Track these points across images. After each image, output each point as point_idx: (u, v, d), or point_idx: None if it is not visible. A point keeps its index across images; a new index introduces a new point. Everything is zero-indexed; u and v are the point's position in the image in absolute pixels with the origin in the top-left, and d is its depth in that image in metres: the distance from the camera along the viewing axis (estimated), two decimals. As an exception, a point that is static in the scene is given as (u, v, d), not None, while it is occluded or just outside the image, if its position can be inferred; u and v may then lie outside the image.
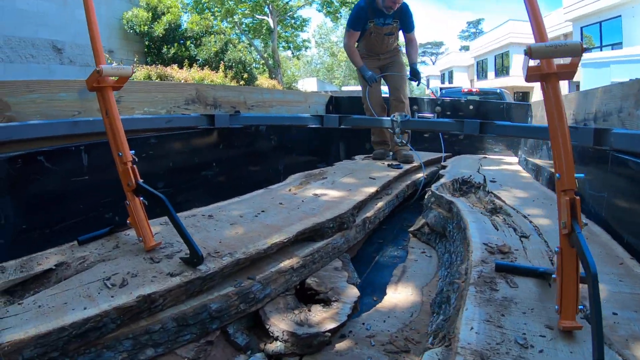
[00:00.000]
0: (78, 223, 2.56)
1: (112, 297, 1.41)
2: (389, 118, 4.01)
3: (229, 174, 3.91)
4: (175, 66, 12.38)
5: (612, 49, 17.57)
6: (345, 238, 2.40)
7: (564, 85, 21.57)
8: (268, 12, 23.10)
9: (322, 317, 1.71)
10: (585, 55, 15.23)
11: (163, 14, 14.35)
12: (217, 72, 13.22)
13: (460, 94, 12.49)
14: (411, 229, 3.06)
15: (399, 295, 2.08)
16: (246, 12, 23.05)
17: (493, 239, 2.01)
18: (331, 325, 1.66)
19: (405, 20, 4.48)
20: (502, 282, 1.60)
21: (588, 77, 15.38)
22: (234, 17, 22.33)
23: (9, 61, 11.00)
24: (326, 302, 1.83)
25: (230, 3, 21.35)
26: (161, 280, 1.52)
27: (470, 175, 3.38)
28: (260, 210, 2.43)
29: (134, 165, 1.80)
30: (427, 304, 1.95)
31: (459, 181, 3.29)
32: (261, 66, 23.87)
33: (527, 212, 2.48)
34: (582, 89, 15.35)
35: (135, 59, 13.75)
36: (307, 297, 1.94)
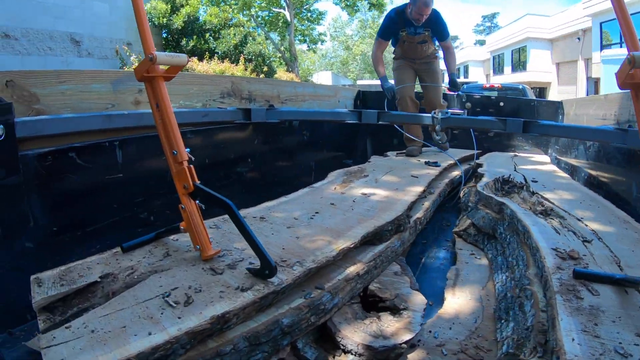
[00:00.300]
0: (112, 224, 2.39)
1: (179, 318, 1.23)
2: (429, 115, 3.90)
3: (262, 170, 3.76)
4: (195, 59, 12.20)
5: None
6: (401, 240, 2.28)
7: (581, 81, 21.27)
8: (285, 5, 22.88)
9: (395, 328, 1.62)
10: (607, 51, 14.97)
11: (182, 6, 14.22)
12: (236, 65, 13.07)
13: (479, 89, 12.06)
14: (456, 229, 2.94)
15: (459, 300, 1.97)
16: (262, 4, 22.89)
17: (559, 244, 1.90)
18: (407, 336, 1.57)
19: (436, 28, 4.40)
20: (583, 289, 1.53)
21: (609, 74, 14.84)
22: (251, 10, 22.14)
23: (27, 54, 10.89)
24: (393, 310, 1.74)
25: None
26: (231, 296, 1.36)
27: (510, 175, 3.22)
28: (314, 211, 2.30)
29: (191, 165, 1.60)
30: (488, 309, 1.87)
31: (500, 180, 3.14)
32: (277, 59, 23.67)
33: (579, 215, 2.36)
34: (602, 85, 15.34)
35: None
36: (369, 304, 1.85)
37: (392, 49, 4.87)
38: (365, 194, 2.68)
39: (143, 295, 1.36)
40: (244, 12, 21.60)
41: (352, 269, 1.76)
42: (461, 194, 3.66)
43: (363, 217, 2.20)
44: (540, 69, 26.06)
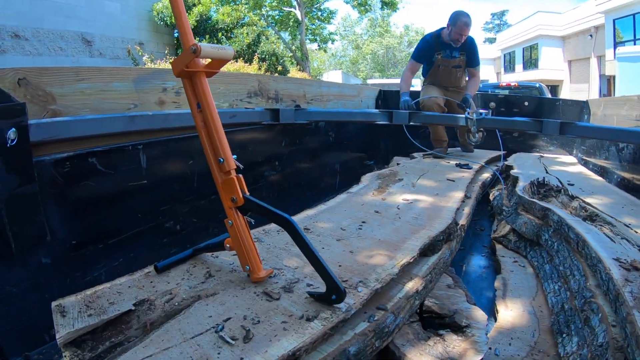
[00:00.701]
0: (135, 235, 2.19)
1: (241, 359, 1.03)
2: (463, 115, 3.83)
3: (289, 172, 3.58)
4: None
5: None
6: (451, 250, 2.11)
7: (594, 79, 20.99)
8: (296, 4, 22.70)
9: (462, 348, 1.48)
10: (622, 49, 14.71)
11: (194, 5, 14.06)
12: (250, 64, 12.88)
13: (495, 88, 11.77)
14: (494, 235, 2.85)
15: (512, 313, 1.88)
16: (273, 4, 22.74)
17: (619, 254, 1.77)
18: (475, 357, 1.43)
19: (471, 53, 4.34)
20: (656, 303, 1.40)
21: (624, 71, 14.76)
22: (262, 9, 22.00)
23: (38, 54, 10.76)
24: (454, 328, 1.61)
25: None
26: (297, 328, 1.17)
27: (544, 177, 3.12)
28: (360, 220, 2.12)
29: (240, 175, 1.38)
30: (543, 322, 1.80)
31: (536, 184, 3.02)
32: (288, 59, 23.53)
33: (626, 221, 2.23)
34: (617, 83, 15.06)
35: (166, 52, 13.47)
36: (424, 321, 1.71)
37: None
38: (407, 200, 2.54)
39: (191, 328, 1.15)
40: (255, 12, 21.44)
41: (411, 285, 1.58)
42: (491, 197, 3.62)
43: (414, 227, 2.04)
44: (552, 66, 25.83)
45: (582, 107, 4.98)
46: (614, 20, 19.59)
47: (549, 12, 27.25)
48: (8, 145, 1.58)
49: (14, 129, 1.60)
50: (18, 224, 1.65)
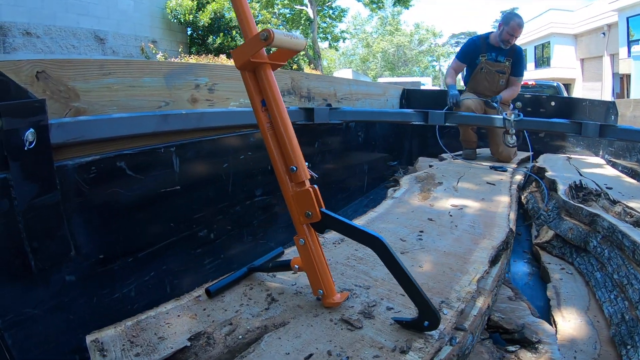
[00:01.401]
0: (167, 246, 1.97)
1: None
2: (500, 117, 3.67)
3: (320, 173, 3.26)
4: (223, 56, 11.86)
5: None
6: (507, 259, 2.04)
7: (607, 77, 20.77)
8: (307, 2, 22.52)
9: None
10: (637, 47, 14.47)
11: (208, 2, 13.87)
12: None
13: None
14: (537, 240, 2.75)
15: (571, 324, 1.81)
16: (285, 2, 22.57)
17: None
18: None
19: (517, 62, 4.23)
20: None
21: None
22: (274, 7, 21.85)
23: (50, 52, 10.59)
24: (524, 344, 1.54)
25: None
26: None
27: (581, 181, 3.06)
28: (417, 230, 2.04)
29: (316, 187, 1.17)
30: (602, 333, 1.74)
31: (574, 187, 2.95)
32: (302, 57, 23.41)
33: None
34: (633, 83, 14.90)
35: (180, 50, 13.32)
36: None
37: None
38: (456, 206, 2.47)
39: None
40: (268, 10, 21.30)
41: (482, 301, 1.44)
42: (523, 200, 3.53)
43: (474, 236, 1.97)
44: (564, 65, 25.58)
45: (609, 107, 4.87)
46: (627, 19, 19.32)
47: (561, 9, 26.96)
48: (26, 148, 1.36)
49: (32, 130, 1.38)
50: (38, 239, 1.43)
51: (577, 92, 23.96)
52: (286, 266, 1.32)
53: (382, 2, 24.04)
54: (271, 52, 1.21)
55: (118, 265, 1.74)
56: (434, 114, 3.79)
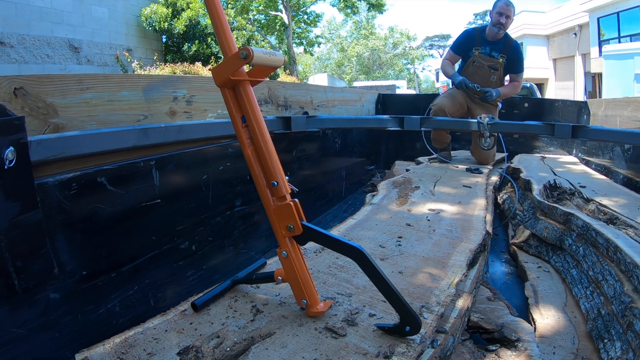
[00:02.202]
0: (150, 260, 1.96)
1: None
2: (475, 120, 3.75)
3: (299, 181, 3.35)
4: (199, 64, 11.81)
5: (631, 40, 17.15)
6: (485, 261, 2.10)
7: (579, 76, 21.23)
8: (282, 8, 22.52)
9: None
10: (608, 47, 14.85)
11: (183, 9, 13.79)
12: (241, 69, 12.67)
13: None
14: (514, 240, 2.81)
15: (549, 321, 1.86)
16: (260, 8, 22.55)
17: None
18: None
19: (513, 58, 4.17)
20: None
21: (611, 69, 14.99)
22: (249, 13, 21.80)
23: (24, 62, 10.43)
24: (504, 343, 1.58)
25: (241, 0, 20.82)
26: None
27: (555, 180, 3.14)
28: (396, 236, 2.09)
29: (296, 200, 1.21)
30: (580, 328, 1.80)
31: (548, 187, 3.03)
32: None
33: None
34: (605, 81, 15.31)
35: (155, 57, 13.23)
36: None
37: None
38: (433, 210, 2.52)
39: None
40: (243, 16, 21.26)
41: (462, 303, 1.49)
42: (499, 200, 3.61)
43: (452, 240, 2.04)
44: (537, 65, 26.16)
45: (581, 107, 5.03)
46: (598, 19, 20.00)
47: (533, 11, 27.70)
48: (6, 167, 1.34)
49: (12, 148, 1.36)
50: (21, 258, 1.42)
51: (550, 92, 24.67)
52: (270, 277, 1.34)
53: (357, 7, 24.15)
54: (249, 68, 1.24)
55: (102, 280, 1.73)
56: (410, 120, 3.81)
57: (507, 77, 4.37)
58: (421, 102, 5.51)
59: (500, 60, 4.14)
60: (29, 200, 1.44)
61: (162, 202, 1.99)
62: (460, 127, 4.05)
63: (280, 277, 1.30)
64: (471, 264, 1.84)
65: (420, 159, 4.58)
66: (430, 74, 56.85)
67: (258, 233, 2.75)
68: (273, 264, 1.72)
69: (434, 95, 4.82)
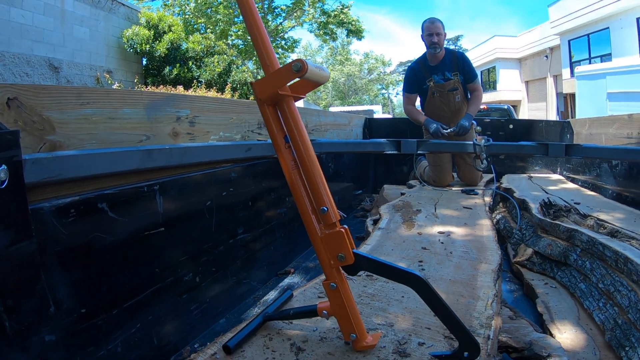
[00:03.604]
0: (154, 294, 1.78)
1: None
2: (470, 142, 3.73)
3: (293, 209, 3.15)
4: (180, 87, 11.66)
5: (602, 61, 17.75)
6: (501, 280, 2.05)
7: (551, 97, 21.76)
8: (260, 34, 22.55)
9: None
10: (580, 68, 15.24)
11: (164, 32, 13.67)
12: (222, 93, 12.60)
13: None
14: (516, 259, 2.83)
15: (568, 335, 1.86)
16: (239, 33, 22.57)
17: None
18: None
19: (465, 69, 4.09)
20: None
21: (584, 90, 15.36)
22: (227, 38, 21.80)
23: (1, 79, 10.11)
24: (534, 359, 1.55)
25: (220, 25, 20.80)
26: None
27: (549, 198, 3.12)
28: (416, 260, 2.06)
29: (346, 227, 1.08)
30: (597, 339, 1.81)
31: (543, 205, 3.02)
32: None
33: None
34: (577, 101, 15.67)
35: (135, 80, 13.05)
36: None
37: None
38: (443, 233, 2.51)
39: None
40: (222, 40, 21.26)
41: (495, 324, 1.44)
42: (493, 221, 3.52)
43: (472, 262, 2.03)
44: (510, 87, 27.17)
45: (564, 127, 5.20)
46: (569, 41, 20.69)
47: (505, 35, 28.80)
48: (-3, 189, 1.15)
49: (4, 167, 1.18)
50: (12, 296, 1.23)
51: (523, 113, 25.51)
52: (312, 313, 1.20)
53: (335, 33, 24.34)
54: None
55: (102, 319, 1.54)
56: (407, 143, 3.74)
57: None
58: (404, 126, 5.57)
59: (455, 77, 4.08)
60: (22, 228, 1.26)
61: (166, 230, 1.83)
62: (456, 150, 3.98)
63: (325, 312, 1.16)
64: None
65: (412, 182, 4.58)
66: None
67: (259, 262, 2.60)
68: (298, 296, 1.57)
69: None
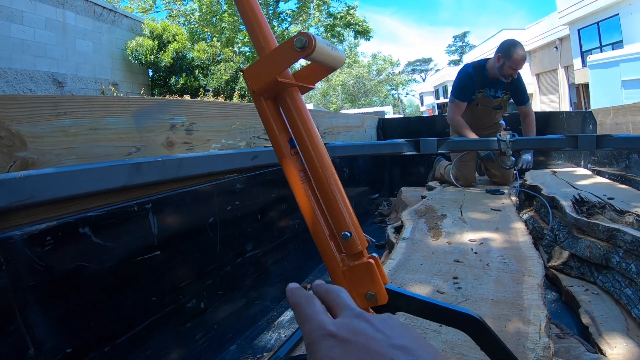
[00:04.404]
0: (151, 326, 1.56)
1: None
2: (494, 139, 3.40)
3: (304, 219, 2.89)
4: (187, 97, 11.53)
5: (613, 49, 17.21)
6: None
7: (563, 88, 21.42)
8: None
9: None
10: (592, 57, 14.92)
11: (169, 42, 13.56)
12: (230, 100, 12.41)
13: None
14: (552, 263, 2.62)
15: (619, 350, 1.67)
16: (245, 40, 22.52)
17: None
18: None
19: (517, 90, 3.88)
20: None
21: (597, 79, 14.94)
22: (234, 46, 21.73)
23: (5, 96, 10.04)
24: None
25: (226, 32, 20.72)
26: None
27: (579, 194, 3.02)
28: (449, 276, 1.81)
29: (376, 255, 0.79)
30: None
31: (574, 202, 2.89)
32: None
33: None
34: (592, 90, 15.25)
35: (142, 92, 12.95)
36: None
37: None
38: (475, 241, 2.26)
39: None
40: (229, 48, 21.20)
41: (542, 344, 1.25)
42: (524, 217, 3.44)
43: (513, 275, 1.80)
44: None
45: (586, 117, 4.94)
46: (578, 30, 20.25)
47: (512, 29, 28.61)
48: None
49: (-33, 191, 0.98)
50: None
51: (536, 106, 25.13)
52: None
53: (343, 35, 24.21)
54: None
55: (92, 358, 1.34)
56: (426, 142, 3.46)
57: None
58: (418, 124, 5.50)
59: (504, 97, 3.89)
60: (-11, 261, 1.05)
61: (163, 253, 1.61)
62: (480, 147, 3.70)
63: None
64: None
65: (432, 183, 4.32)
66: (414, 98, 57.50)
67: (272, 279, 2.38)
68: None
69: (430, 118, 4.90)
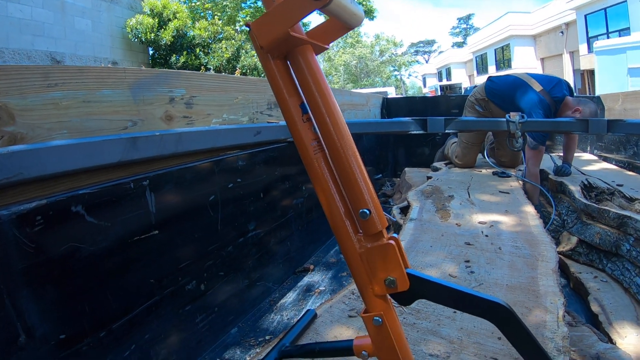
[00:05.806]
0: (149, 309, 1.49)
1: None
2: (503, 119, 3.29)
3: (309, 199, 2.85)
4: (189, 75, 11.42)
5: (620, 35, 17.22)
6: None
7: (568, 74, 21.30)
8: (271, 18, 22.33)
9: None
10: (599, 42, 14.77)
11: (169, 20, 13.36)
12: (232, 79, 12.31)
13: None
14: (560, 249, 2.54)
15: (631, 340, 1.62)
16: (247, 18, 22.24)
17: None
18: None
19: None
20: None
21: (603, 65, 14.80)
22: (236, 24, 21.48)
23: (1, 77, 9.92)
24: None
25: (228, 11, 20.43)
26: None
27: (587, 179, 2.99)
28: (461, 259, 1.75)
29: (397, 237, 0.71)
30: None
31: (583, 188, 2.85)
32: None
33: None
34: (597, 77, 15.11)
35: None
36: None
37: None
38: (484, 223, 2.21)
39: None
40: (230, 26, 20.97)
41: (561, 333, 1.20)
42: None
43: (526, 259, 1.74)
44: (525, 65, 26.48)
45: (594, 102, 4.68)
46: (585, 16, 20.17)
47: (518, 12, 28.35)
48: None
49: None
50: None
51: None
52: (346, 350, 0.85)
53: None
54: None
55: (87, 344, 1.27)
56: (433, 121, 3.36)
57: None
58: (422, 105, 5.48)
59: None
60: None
61: (161, 233, 1.53)
62: (488, 128, 3.67)
63: (365, 352, 0.81)
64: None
65: (437, 164, 4.26)
66: (417, 80, 57.16)
67: (274, 260, 2.31)
68: (324, 314, 1.26)
69: (434, 98, 4.83)
